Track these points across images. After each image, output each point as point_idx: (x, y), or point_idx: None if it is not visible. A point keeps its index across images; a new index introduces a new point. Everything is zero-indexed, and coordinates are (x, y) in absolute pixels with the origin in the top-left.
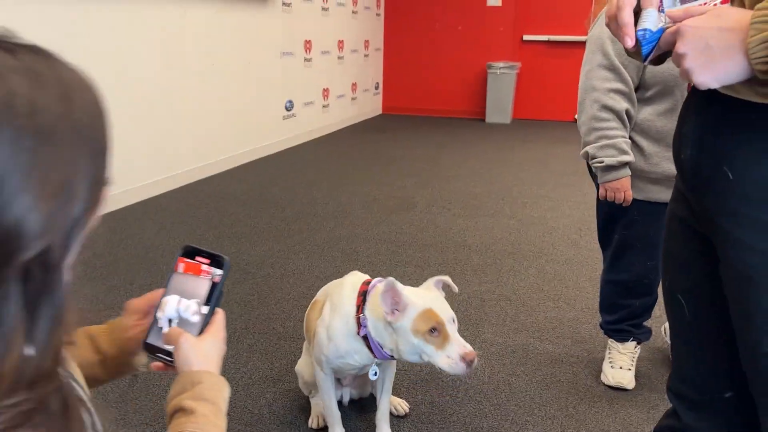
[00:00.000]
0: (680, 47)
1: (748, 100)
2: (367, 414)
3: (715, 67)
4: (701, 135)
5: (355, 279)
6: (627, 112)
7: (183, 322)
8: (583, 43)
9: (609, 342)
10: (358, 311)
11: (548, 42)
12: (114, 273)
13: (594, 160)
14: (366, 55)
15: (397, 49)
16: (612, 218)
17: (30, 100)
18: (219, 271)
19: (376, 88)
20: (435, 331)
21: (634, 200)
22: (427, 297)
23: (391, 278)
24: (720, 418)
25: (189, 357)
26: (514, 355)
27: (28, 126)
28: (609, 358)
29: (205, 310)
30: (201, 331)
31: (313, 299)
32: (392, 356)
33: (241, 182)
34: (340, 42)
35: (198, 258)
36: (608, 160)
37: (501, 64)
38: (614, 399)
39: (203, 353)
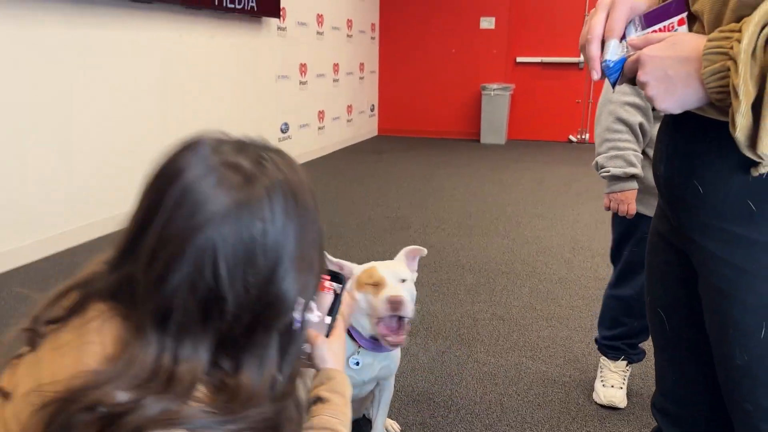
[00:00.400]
0: (641, 76)
1: (716, 119)
2: None
3: (675, 94)
4: (674, 151)
5: None
6: (641, 125)
7: (313, 327)
8: (575, 64)
9: (601, 360)
10: None
11: (541, 63)
12: None
13: (602, 170)
14: (361, 78)
15: (392, 71)
16: (626, 236)
17: (295, 184)
18: (338, 285)
19: (372, 109)
20: (377, 286)
21: (646, 217)
22: (378, 262)
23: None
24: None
25: (324, 356)
26: (507, 375)
27: (297, 205)
28: (601, 376)
29: (328, 320)
30: (328, 335)
31: None
32: (370, 338)
33: None
34: (336, 65)
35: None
36: (614, 170)
37: (495, 86)
38: (606, 418)
39: (333, 353)
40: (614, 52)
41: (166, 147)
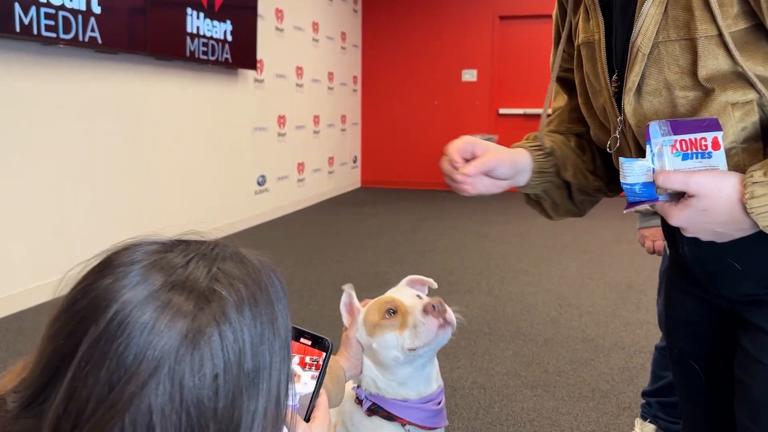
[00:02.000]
0: (685, 233)
1: None
2: None
3: (725, 238)
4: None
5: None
6: None
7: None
8: None
9: (635, 421)
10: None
11: (524, 115)
12: None
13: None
14: (343, 129)
15: (375, 123)
16: None
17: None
18: (319, 357)
19: (354, 161)
20: (390, 312)
21: None
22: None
23: (348, 285)
24: None
25: None
26: None
27: (273, 323)
28: None
29: (306, 397)
30: (308, 415)
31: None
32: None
33: None
34: (316, 117)
35: (302, 339)
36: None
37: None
38: None
39: None
40: (637, 172)
41: (130, 201)
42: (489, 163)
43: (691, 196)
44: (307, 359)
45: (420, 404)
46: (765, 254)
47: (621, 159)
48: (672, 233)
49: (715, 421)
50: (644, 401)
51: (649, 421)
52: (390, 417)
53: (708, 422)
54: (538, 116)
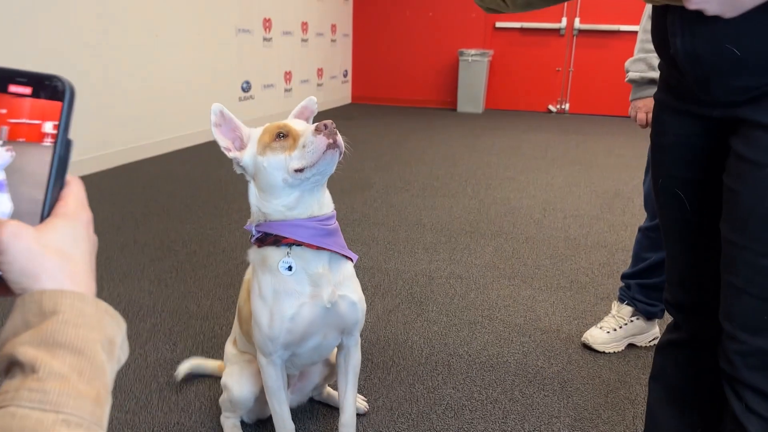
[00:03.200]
0: (691, 4)
1: None
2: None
3: (734, 6)
4: (691, 21)
5: None
6: None
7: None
8: (556, 30)
9: (612, 304)
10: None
11: (521, 29)
12: None
13: (627, 75)
14: (333, 40)
15: (367, 35)
16: None
17: None
18: (54, 121)
19: (345, 75)
20: (281, 135)
21: None
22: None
23: (216, 104)
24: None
25: (28, 265)
26: (458, 335)
27: None
28: (603, 320)
29: (39, 193)
30: (43, 216)
31: (242, 281)
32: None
33: (186, 163)
34: (304, 24)
35: (12, 88)
36: (632, 74)
37: (473, 52)
38: (566, 382)
39: (54, 252)
40: None
41: (108, 100)
42: None
43: None
44: (25, 121)
45: (307, 221)
46: (765, 35)
47: None
48: (664, 36)
49: (697, 254)
50: (623, 284)
51: (627, 303)
52: (277, 241)
53: (691, 255)
54: (536, 30)
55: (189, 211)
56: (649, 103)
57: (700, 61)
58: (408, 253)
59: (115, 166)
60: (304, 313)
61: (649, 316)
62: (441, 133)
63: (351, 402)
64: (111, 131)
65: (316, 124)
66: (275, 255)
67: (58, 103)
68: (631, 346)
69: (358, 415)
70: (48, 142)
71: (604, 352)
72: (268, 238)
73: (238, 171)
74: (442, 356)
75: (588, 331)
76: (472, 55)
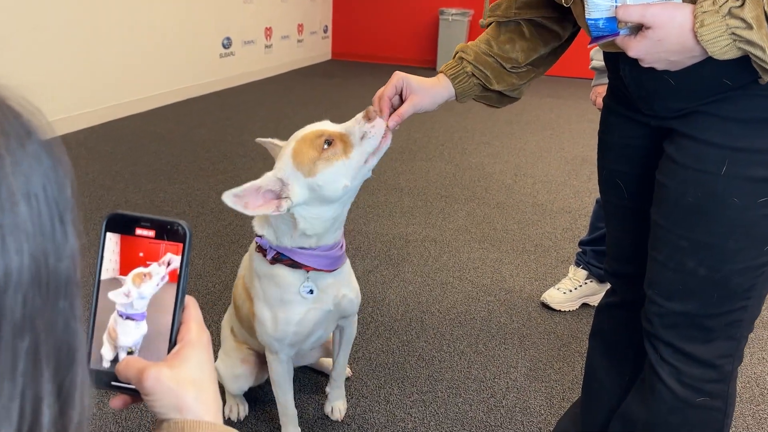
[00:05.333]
0: (642, 63)
1: None
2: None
3: (679, 66)
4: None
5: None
6: None
7: (134, 347)
8: None
9: (569, 268)
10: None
11: None
12: None
13: (591, 63)
14: None
15: None
16: None
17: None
18: (176, 255)
19: (325, 31)
20: (327, 143)
21: None
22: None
23: (225, 195)
24: None
25: (170, 402)
26: (431, 294)
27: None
28: (560, 282)
29: (164, 325)
30: (171, 344)
31: (237, 276)
32: (325, 249)
33: (168, 121)
34: None
35: (139, 230)
36: (595, 63)
37: (453, 11)
38: (525, 337)
39: (190, 384)
40: (601, 8)
41: (90, 56)
42: (408, 112)
43: (647, 28)
44: (151, 262)
45: (323, 251)
46: (695, 70)
47: None
48: (615, 60)
49: (631, 234)
50: (580, 250)
51: (582, 267)
52: (294, 265)
53: (626, 234)
54: None
55: (176, 171)
56: (604, 90)
57: (645, 86)
58: (386, 216)
59: (99, 124)
60: (310, 317)
61: (602, 279)
62: None
63: (342, 364)
64: (93, 88)
65: (361, 113)
66: (289, 277)
67: (179, 244)
68: (584, 305)
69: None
70: (175, 278)
71: (560, 311)
72: (284, 260)
73: (291, 213)
74: (416, 313)
75: (547, 292)
76: (452, 14)
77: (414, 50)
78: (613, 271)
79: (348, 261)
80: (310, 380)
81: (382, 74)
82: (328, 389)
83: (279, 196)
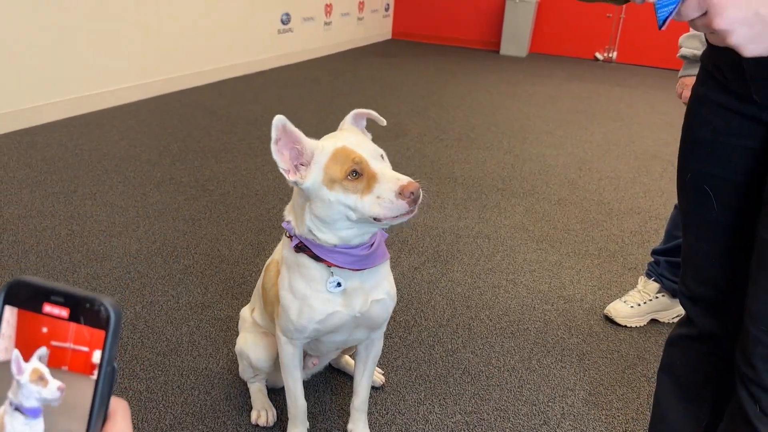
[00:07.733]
0: (719, 23)
1: None
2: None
3: None
4: None
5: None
6: None
7: None
8: None
9: (639, 279)
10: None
11: None
12: (58, 179)
13: (679, 50)
14: None
15: None
16: None
17: None
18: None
19: (387, 9)
20: (355, 174)
21: None
22: (339, 136)
23: (279, 116)
24: (738, 317)
25: None
26: (481, 298)
27: None
28: (627, 294)
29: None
30: None
31: (267, 261)
32: (348, 247)
33: (221, 97)
34: None
35: (48, 307)
36: (685, 50)
37: None
38: (585, 355)
39: None
40: None
41: (148, 29)
42: None
43: None
44: (67, 344)
45: (346, 249)
46: None
47: None
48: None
49: (720, 251)
50: (653, 260)
51: (654, 280)
52: (316, 257)
53: (713, 251)
54: None
55: (224, 149)
56: (691, 82)
57: (762, 65)
58: (438, 208)
59: (153, 96)
60: (334, 319)
61: (675, 294)
62: (481, 77)
63: (365, 387)
64: (150, 61)
65: (401, 184)
66: (313, 269)
67: (101, 332)
68: (654, 321)
69: (374, 388)
70: (93, 373)
71: (626, 326)
72: (307, 250)
73: (292, 185)
74: (464, 319)
75: (611, 304)
76: None
77: (477, 32)
78: (691, 294)
79: (387, 262)
80: (329, 381)
81: (442, 56)
82: (351, 410)
83: (301, 164)
